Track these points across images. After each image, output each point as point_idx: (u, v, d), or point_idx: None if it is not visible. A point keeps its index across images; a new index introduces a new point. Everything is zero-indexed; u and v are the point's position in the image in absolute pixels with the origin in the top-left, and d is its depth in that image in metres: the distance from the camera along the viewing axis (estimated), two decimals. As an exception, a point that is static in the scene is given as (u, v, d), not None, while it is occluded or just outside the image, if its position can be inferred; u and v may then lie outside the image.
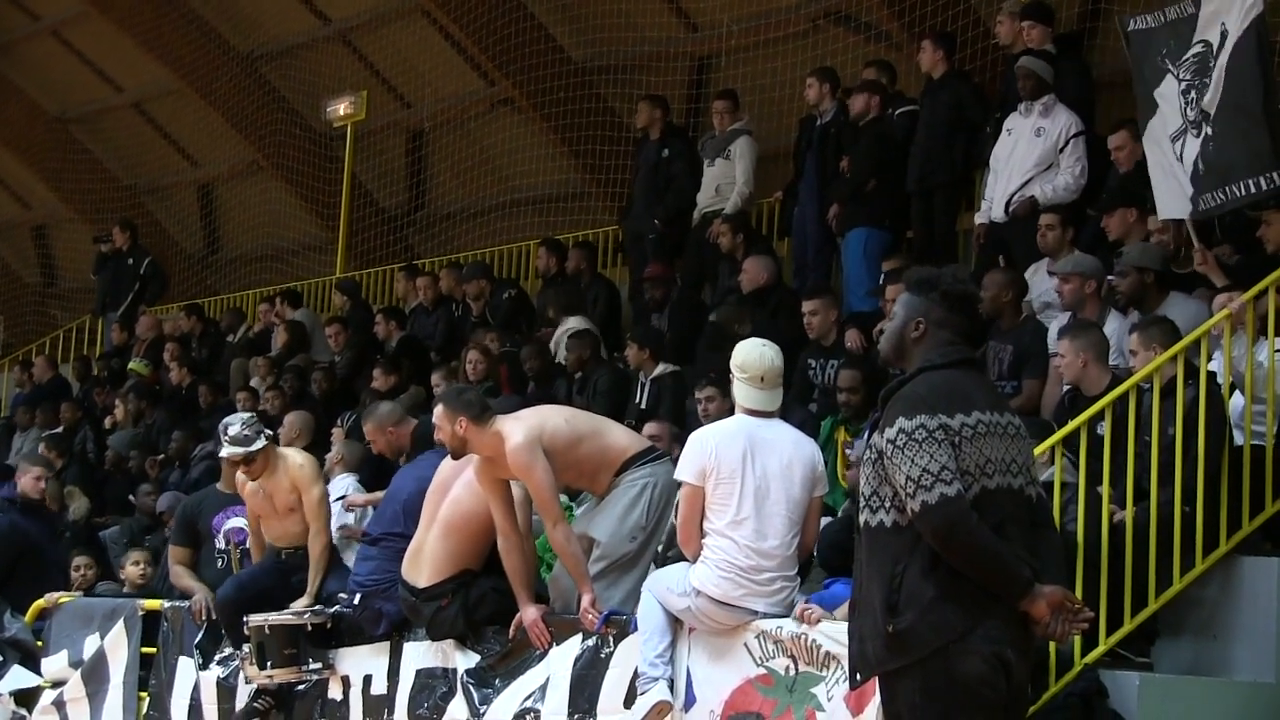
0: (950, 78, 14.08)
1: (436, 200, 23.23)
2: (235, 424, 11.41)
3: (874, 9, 17.23)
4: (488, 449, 9.68)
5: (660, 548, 9.83)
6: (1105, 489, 8.92)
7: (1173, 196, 10.51)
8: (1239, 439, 9.36)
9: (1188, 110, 10.32)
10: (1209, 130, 10.16)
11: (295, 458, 11.52)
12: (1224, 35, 10.13)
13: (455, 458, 9.95)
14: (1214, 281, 10.56)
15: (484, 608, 10.06)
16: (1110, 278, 11.01)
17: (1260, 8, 9.96)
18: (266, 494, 11.41)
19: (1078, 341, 9.88)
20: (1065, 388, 10.33)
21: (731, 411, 9.33)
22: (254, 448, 11.27)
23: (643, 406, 13.40)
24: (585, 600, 9.49)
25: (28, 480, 14.14)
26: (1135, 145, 11.93)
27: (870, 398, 10.93)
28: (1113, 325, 10.71)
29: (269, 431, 11.61)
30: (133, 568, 13.77)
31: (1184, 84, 10.38)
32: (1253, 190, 10.00)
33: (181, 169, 26.66)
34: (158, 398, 19.12)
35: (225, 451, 11.44)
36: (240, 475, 11.51)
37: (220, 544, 12.28)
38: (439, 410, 9.97)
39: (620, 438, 9.97)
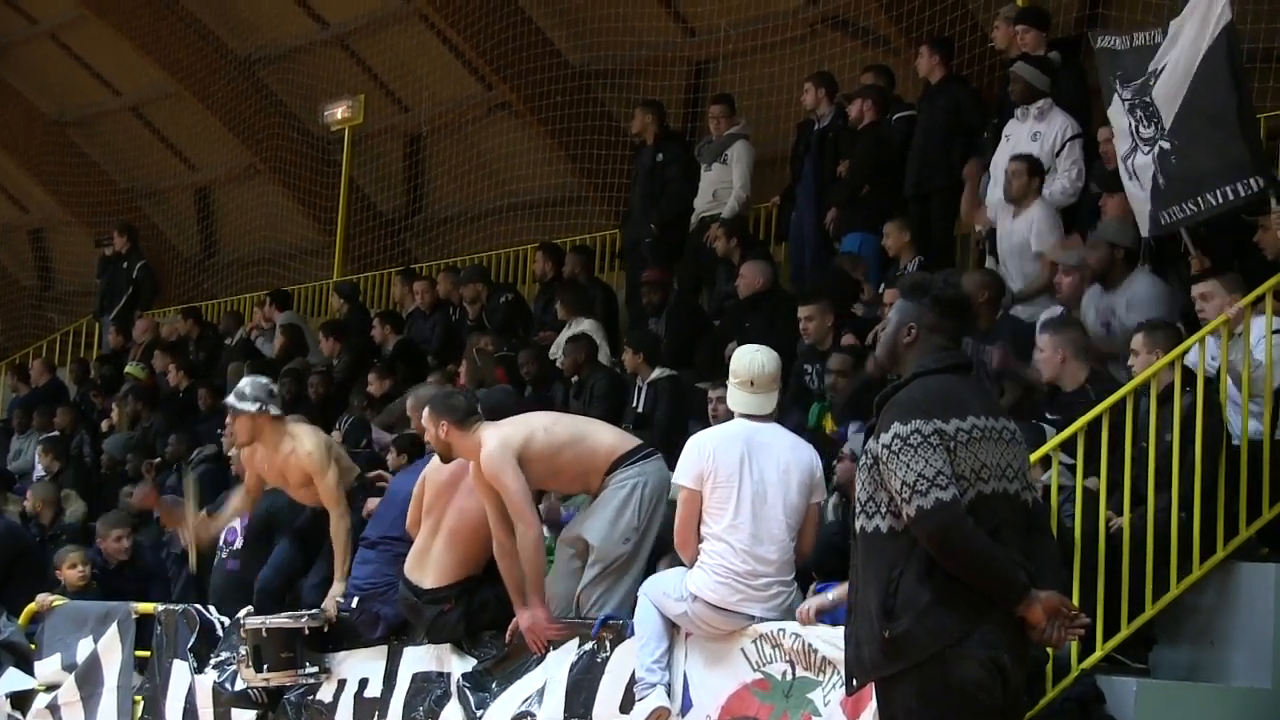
0: (948, 83, 14.07)
1: (434, 204, 23.23)
2: (248, 384, 11.16)
3: (872, 14, 17.23)
4: (471, 454, 9.68)
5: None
6: (1102, 496, 8.91)
7: (1138, 214, 10.61)
8: (1236, 426, 9.35)
9: (1138, 129, 10.39)
10: (1165, 145, 10.21)
11: (305, 444, 11.12)
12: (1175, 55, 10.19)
13: (443, 461, 9.95)
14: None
15: (485, 614, 10.05)
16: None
17: (1229, 16, 9.99)
18: (277, 468, 11.25)
19: (1057, 337, 10.02)
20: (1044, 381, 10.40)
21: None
22: (241, 407, 11.05)
23: (640, 410, 13.39)
24: (524, 618, 9.51)
25: (109, 543, 13.80)
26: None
27: (861, 384, 10.99)
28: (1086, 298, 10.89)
29: (275, 409, 11.17)
30: (70, 570, 13.45)
31: (1127, 103, 10.47)
32: (1230, 198, 10.06)
33: (179, 172, 26.64)
34: (155, 401, 19.10)
35: (228, 399, 11.24)
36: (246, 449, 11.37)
37: (220, 541, 12.27)
38: (425, 413, 9.98)
39: (606, 438, 9.94)
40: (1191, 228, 10.66)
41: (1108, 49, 10.81)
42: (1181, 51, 10.12)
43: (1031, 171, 12.22)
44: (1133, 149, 10.48)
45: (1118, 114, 10.60)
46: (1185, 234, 10.73)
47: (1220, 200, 10.07)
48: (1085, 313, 10.75)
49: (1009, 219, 12.30)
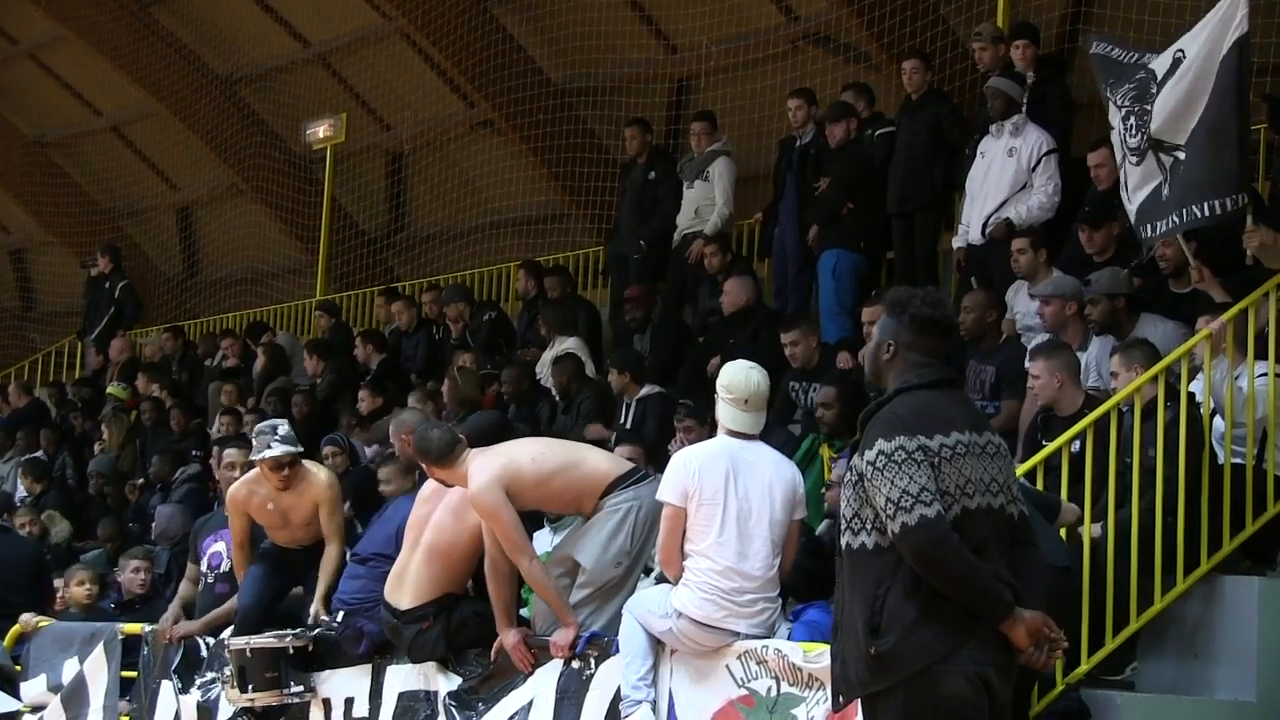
0: (929, 98, 14.08)
1: (416, 222, 23.24)
2: (284, 425, 11.18)
3: (853, 30, 17.26)
4: (462, 483, 9.67)
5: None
6: (1087, 509, 8.92)
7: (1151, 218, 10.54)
8: (1220, 457, 9.37)
9: (1127, 138, 10.35)
10: (1179, 155, 10.17)
11: (322, 476, 11.21)
12: (1177, 61, 10.16)
13: (445, 486, 9.95)
14: (1214, 298, 10.57)
15: (466, 632, 10.03)
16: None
17: (1245, 28, 9.98)
18: (280, 508, 11.21)
19: (1053, 362, 9.88)
20: (1039, 406, 10.32)
21: (712, 435, 9.32)
22: (300, 448, 11.07)
23: (628, 427, 13.38)
24: (561, 636, 9.46)
25: (127, 575, 13.69)
26: (1114, 164, 12.02)
27: (846, 413, 10.94)
28: (1095, 348, 10.73)
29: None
30: (78, 588, 13.47)
31: (1124, 110, 10.41)
32: (1217, 211, 10.01)
33: (160, 192, 26.63)
34: (136, 421, 19.04)
35: (278, 450, 10.96)
36: (238, 490, 11.33)
37: (203, 566, 12.22)
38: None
39: (599, 464, 9.89)
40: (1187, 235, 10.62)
41: (1100, 55, 10.74)
42: (1193, 63, 10.07)
43: (1036, 245, 11.89)
44: (1123, 158, 10.46)
45: (1114, 122, 10.50)
46: (1182, 240, 10.69)
47: (1206, 213, 10.06)
48: (1101, 363, 10.48)
49: (1024, 298, 11.96)
